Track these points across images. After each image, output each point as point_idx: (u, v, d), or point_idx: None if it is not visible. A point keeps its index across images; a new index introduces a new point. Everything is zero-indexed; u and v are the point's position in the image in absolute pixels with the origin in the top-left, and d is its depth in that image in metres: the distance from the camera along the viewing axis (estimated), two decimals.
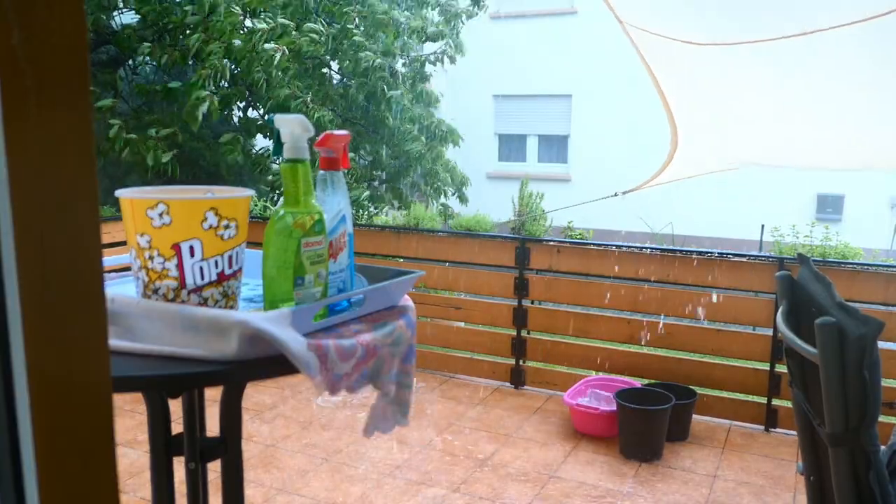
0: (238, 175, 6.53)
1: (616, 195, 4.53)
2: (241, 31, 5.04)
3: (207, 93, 4.68)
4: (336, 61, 6.33)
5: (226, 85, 6.12)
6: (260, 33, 4.99)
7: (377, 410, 1.27)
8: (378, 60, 5.99)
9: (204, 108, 4.63)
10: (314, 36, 5.30)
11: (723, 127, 3.12)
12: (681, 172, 3.37)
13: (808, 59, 2.41)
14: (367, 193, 6.50)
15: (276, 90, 5.43)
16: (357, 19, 5.90)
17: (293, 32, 5.25)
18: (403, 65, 6.96)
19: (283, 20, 5.22)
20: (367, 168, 6.89)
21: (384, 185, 7.12)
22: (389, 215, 8.50)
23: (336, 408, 3.76)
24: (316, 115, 5.48)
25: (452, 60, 7.23)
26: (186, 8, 5.19)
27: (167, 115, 5.68)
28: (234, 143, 5.50)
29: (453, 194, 7.65)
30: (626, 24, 2.64)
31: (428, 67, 7.17)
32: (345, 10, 5.88)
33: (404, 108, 6.52)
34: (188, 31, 5.10)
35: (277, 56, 5.00)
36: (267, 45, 5.02)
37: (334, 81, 6.60)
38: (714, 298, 3.65)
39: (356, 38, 5.87)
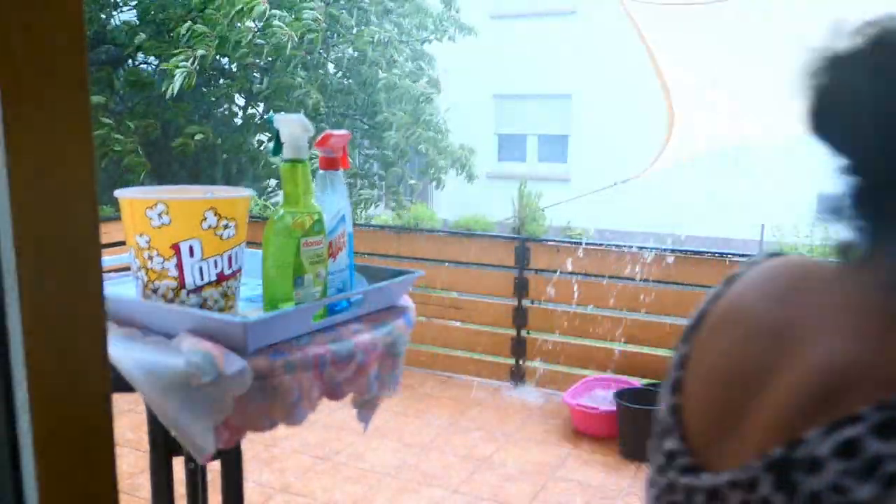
0: (239, 175, 6.53)
1: (615, 185, 4.54)
2: (237, 24, 5.02)
3: (183, 65, 4.66)
4: (331, 52, 6.30)
5: (223, 81, 6.10)
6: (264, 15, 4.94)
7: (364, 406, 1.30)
8: (373, 46, 5.97)
9: (177, 81, 4.61)
10: (311, 22, 5.26)
11: (720, 102, 3.11)
12: (679, 154, 3.35)
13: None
14: (366, 194, 6.49)
15: (278, 78, 5.41)
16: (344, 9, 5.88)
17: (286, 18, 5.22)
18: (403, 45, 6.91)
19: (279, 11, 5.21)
20: (366, 162, 6.86)
21: (382, 183, 7.08)
22: (380, 211, 8.47)
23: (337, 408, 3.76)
24: (312, 102, 5.45)
25: (453, 39, 7.14)
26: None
27: (150, 109, 5.67)
28: (206, 130, 5.49)
29: (459, 174, 7.50)
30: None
31: (427, 47, 7.10)
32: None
33: (399, 90, 6.44)
34: (181, 23, 5.09)
35: (286, 41, 4.96)
36: (276, 24, 4.99)
37: (330, 73, 6.57)
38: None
39: (345, 28, 5.85)
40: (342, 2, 5.90)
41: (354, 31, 5.96)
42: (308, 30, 5.12)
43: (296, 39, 5.03)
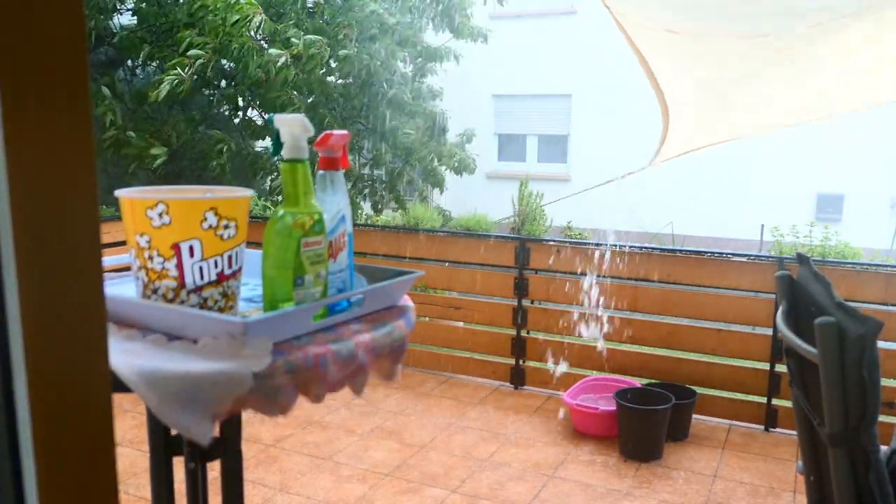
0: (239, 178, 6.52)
1: (614, 181, 4.55)
2: (239, 34, 5.03)
3: (177, 74, 4.66)
4: (335, 62, 6.31)
5: (224, 84, 6.11)
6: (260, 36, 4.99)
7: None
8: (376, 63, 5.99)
9: (164, 89, 4.62)
10: (314, 43, 5.28)
11: (714, 97, 3.11)
12: (678, 149, 3.34)
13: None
14: (367, 200, 6.52)
15: (272, 93, 5.43)
16: (346, 30, 5.88)
17: (292, 38, 5.24)
18: (409, 60, 6.94)
19: (292, 31, 5.22)
20: (369, 164, 6.86)
21: (383, 186, 7.09)
22: (388, 214, 8.49)
23: (337, 408, 3.75)
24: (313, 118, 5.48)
25: (457, 60, 7.21)
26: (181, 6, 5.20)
27: (162, 116, 5.68)
28: (222, 144, 5.50)
29: (459, 176, 7.58)
30: (614, 11, 2.66)
31: (431, 65, 7.17)
32: (338, 20, 5.87)
33: (404, 104, 6.49)
34: (180, 30, 5.09)
35: (280, 61, 5.00)
36: (272, 51, 5.02)
37: (334, 79, 6.57)
38: (713, 300, 3.65)
39: (347, 50, 5.86)
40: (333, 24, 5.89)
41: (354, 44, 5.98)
42: (309, 55, 5.14)
43: (289, 59, 5.05)
